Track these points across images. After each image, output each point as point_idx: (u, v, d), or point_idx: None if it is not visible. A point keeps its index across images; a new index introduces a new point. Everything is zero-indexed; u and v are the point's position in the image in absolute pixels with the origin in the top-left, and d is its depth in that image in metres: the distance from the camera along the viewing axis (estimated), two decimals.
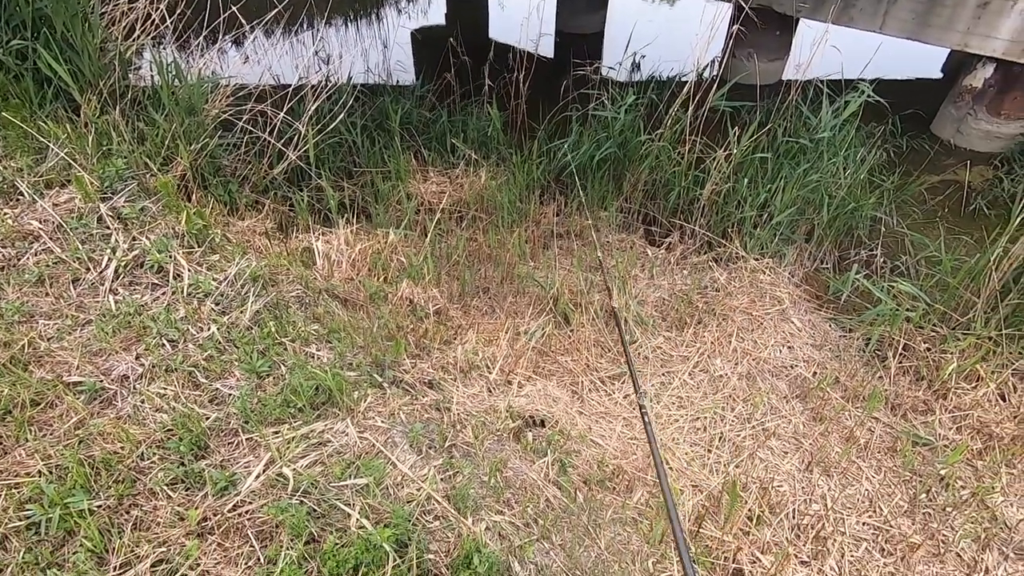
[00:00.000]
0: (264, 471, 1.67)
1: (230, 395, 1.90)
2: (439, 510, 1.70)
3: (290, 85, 3.81)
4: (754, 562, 2.14)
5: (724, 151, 3.64)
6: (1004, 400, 2.74)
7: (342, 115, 3.84)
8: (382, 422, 1.94)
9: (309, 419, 1.87)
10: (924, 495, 2.43)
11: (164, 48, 3.85)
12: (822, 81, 3.84)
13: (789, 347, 3.19)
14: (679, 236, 3.86)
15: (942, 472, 2.48)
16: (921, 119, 4.84)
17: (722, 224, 3.78)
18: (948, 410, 2.73)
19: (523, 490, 1.95)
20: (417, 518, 1.65)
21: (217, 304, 2.23)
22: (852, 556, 2.24)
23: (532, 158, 4.11)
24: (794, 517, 2.37)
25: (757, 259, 3.58)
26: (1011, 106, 4.32)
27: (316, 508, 1.61)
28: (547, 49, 7.08)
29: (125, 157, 2.84)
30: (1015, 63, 4.18)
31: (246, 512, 1.57)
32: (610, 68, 4.66)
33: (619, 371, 2.99)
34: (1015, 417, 2.67)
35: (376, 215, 3.67)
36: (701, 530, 2.22)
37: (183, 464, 1.67)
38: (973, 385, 2.79)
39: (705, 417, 2.78)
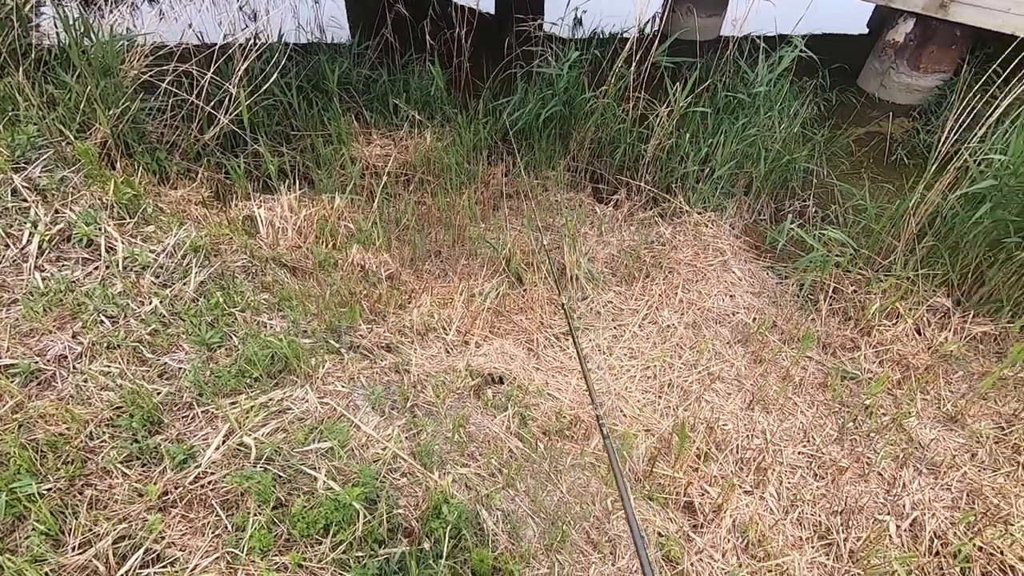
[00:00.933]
0: (224, 442, 1.65)
1: (180, 368, 1.84)
2: (406, 467, 1.74)
3: (215, 44, 3.56)
4: (703, 494, 2.31)
5: (666, 107, 3.70)
6: (920, 334, 3.00)
7: (275, 75, 3.64)
8: (342, 387, 1.94)
9: (267, 388, 1.85)
10: (851, 423, 2.66)
11: (68, 2, 3.50)
12: (758, 36, 3.94)
13: (731, 296, 3.36)
14: (626, 193, 3.94)
15: (867, 402, 2.72)
16: (848, 73, 5.06)
17: (666, 180, 3.88)
18: (872, 346, 2.97)
19: (486, 443, 2.01)
20: (384, 476, 1.68)
21: (157, 277, 2.13)
22: (789, 483, 2.45)
23: (478, 118, 4.05)
24: (738, 452, 2.55)
25: (700, 213, 3.71)
26: (928, 60, 4.59)
27: (281, 474, 1.61)
28: (488, 4, 6.88)
29: (36, 123, 2.61)
30: (932, 18, 4.41)
31: (209, 483, 1.56)
32: (552, 24, 4.58)
33: (573, 327, 3.07)
34: (929, 349, 2.94)
35: (319, 181, 3.54)
36: (654, 469, 2.36)
37: (136, 440, 1.62)
38: (893, 322, 3.04)
39: (655, 365, 2.92)
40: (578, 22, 5.07)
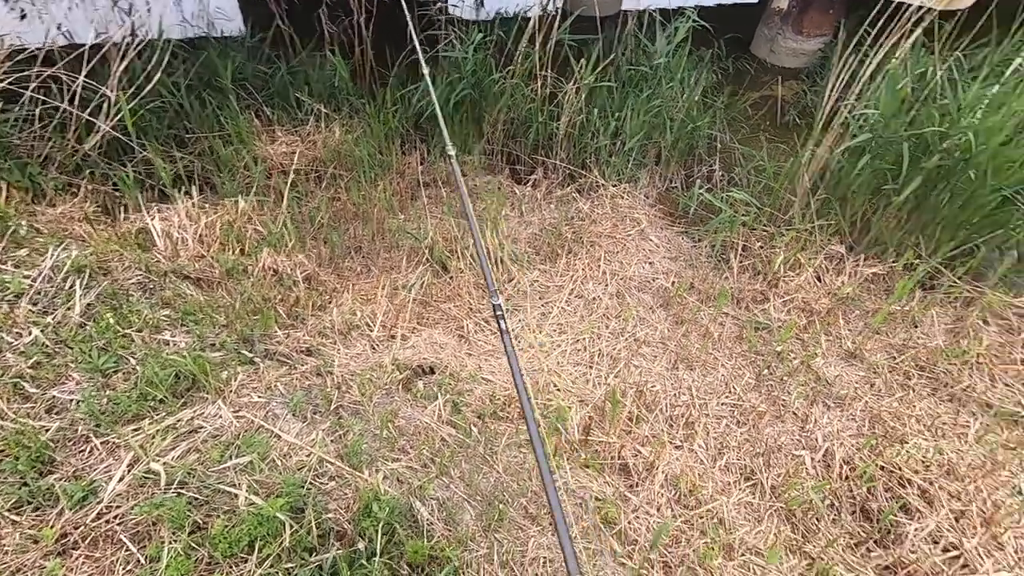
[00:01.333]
0: (129, 471, 1.54)
1: (72, 400, 1.69)
2: (333, 470, 1.69)
3: (86, 43, 3.25)
4: (636, 455, 2.40)
5: (574, 84, 3.75)
6: (820, 280, 3.23)
7: (159, 74, 3.38)
8: (259, 397, 1.85)
9: (173, 409, 1.73)
10: (766, 370, 2.84)
11: None
12: (655, 10, 4.04)
13: (650, 263, 3.47)
14: (543, 172, 3.97)
15: (778, 349, 2.90)
16: (741, 41, 5.30)
17: (580, 156, 3.94)
18: (779, 296, 3.17)
19: (417, 435, 1.99)
20: (311, 482, 1.63)
21: (35, 304, 1.94)
22: (715, 432, 2.59)
23: (386, 107, 3.94)
24: (667, 410, 2.66)
25: (615, 185, 3.80)
26: (810, 24, 4.88)
27: (197, 496, 1.52)
28: None
29: None
30: None
31: (114, 517, 1.45)
32: (454, 5, 4.50)
33: (505, 307, 3.08)
34: (828, 293, 3.17)
35: (221, 184, 3.34)
36: (590, 437, 2.43)
37: (25, 484, 1.48)
38: (796, 272, 3.25)
39: (584, 338, 2.98)
40: (480, 3, 5.02)
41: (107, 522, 1.44)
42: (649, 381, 2.78)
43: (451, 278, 3.19)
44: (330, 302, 2.72)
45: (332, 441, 1.78)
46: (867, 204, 3.26)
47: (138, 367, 1.81)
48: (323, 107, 3.96)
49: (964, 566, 2.10)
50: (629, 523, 2.07)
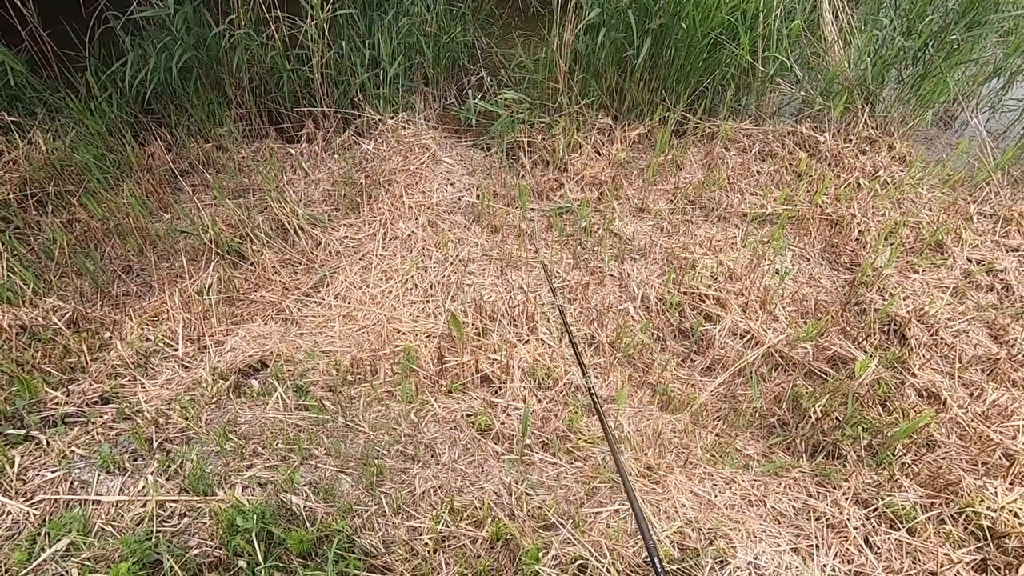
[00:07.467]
0: None
1: None
2: (179, 507, 1.52)
3: None
4: (491, 363, 2.51)
5: (310, 20, 3.43)
6: (599, 154, 3.54)
7: None
8: (52, 472, 1.56)
9: None
10: (579, 248, 3.10)
11: None
12: None
13: (451, 184, 3.49)
14: (313, 124, 3.68)
15: (583, 225, 3.17)
16: None
17: (347, 96, 3.71)
18: (571, 178, 3.42)
19: (266, 434, 1.85)
20: (157, 531, 1.45)
21: None
22: (552, 316, 2.80)
23: (96, 94, 3.27)
24: (507, 314, 2.80)
25: (392, 117, 3.67)
26: None
27: None
28: None
29: None
30: None
31: None
32: None
33: (320, 277, 2.91)
34: (609, 163, 3.49)
35: None
36: (445, 366, 2.48)
37: None
38: (578, 152, 3.51)
39: (411, 276, 2.96)
40: None
41: None
42: (484, 294, 2.88)
43: (252, 264, 2.90)
44: (111, 337, 2.32)
45: (167, 479, 1.58)
46: (616, 75, 3.57)
47: None
48: (5, 114, 3.15)
49: (757, 343, 2.61)
50: (502, 423, 2.20)
